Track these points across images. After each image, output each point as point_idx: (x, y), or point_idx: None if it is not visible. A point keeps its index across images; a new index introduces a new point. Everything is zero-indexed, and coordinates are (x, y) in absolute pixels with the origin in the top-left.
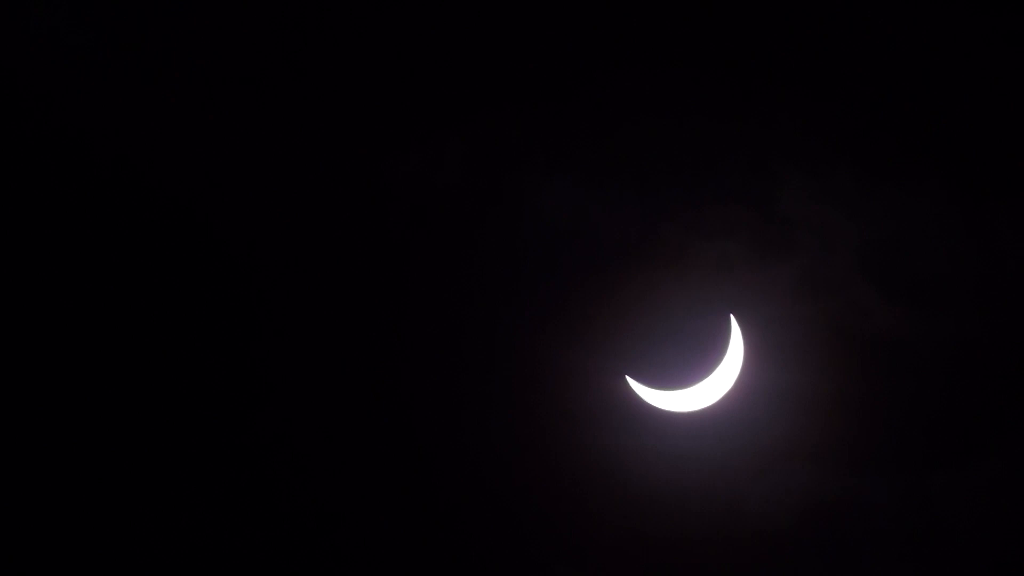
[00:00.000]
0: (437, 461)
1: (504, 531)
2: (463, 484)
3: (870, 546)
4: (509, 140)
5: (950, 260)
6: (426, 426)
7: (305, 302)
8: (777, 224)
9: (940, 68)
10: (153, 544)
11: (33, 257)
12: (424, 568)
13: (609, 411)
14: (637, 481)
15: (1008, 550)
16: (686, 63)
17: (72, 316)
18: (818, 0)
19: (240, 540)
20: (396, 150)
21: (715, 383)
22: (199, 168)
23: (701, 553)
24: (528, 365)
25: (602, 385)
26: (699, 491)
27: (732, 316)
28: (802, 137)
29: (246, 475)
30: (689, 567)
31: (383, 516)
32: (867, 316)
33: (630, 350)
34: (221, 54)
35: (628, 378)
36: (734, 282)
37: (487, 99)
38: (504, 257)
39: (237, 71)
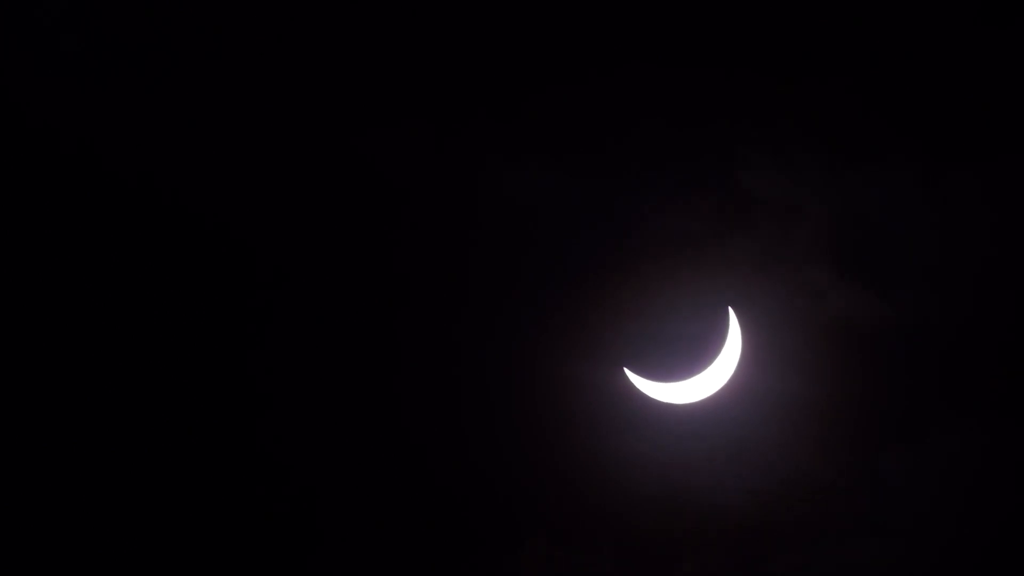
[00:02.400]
0: (436, 449)
1: (499, 516)
2: (462, 470)
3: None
4: (499, 138)
5: (917, 241)
6: (422, 415)
7: (295, 296)
8: (768, 214)
9: (903, 46)
10: (152, 544)
11: (35, 261)
12: (420, 547)
13: (606, 402)
14: (632, 469)
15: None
16: (658, 54)
17: (69, 317)
18: None
19: (238, 539)
20: (390, 146)
21: (712, 376)
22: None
23: (689, 534)
24: (526, 357)
25: (599, 376)
26: (689, 478)
27: (731, 309)
28: (794, 128)
29: (241, 474)
30: (679, 547)
31: (378, 498)
32: (855, 306)
33: (628, 342)
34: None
35: (626, 370)
36: (732, 276)
37: (472, 97)
38: (501, 251)
39: (212, 63)
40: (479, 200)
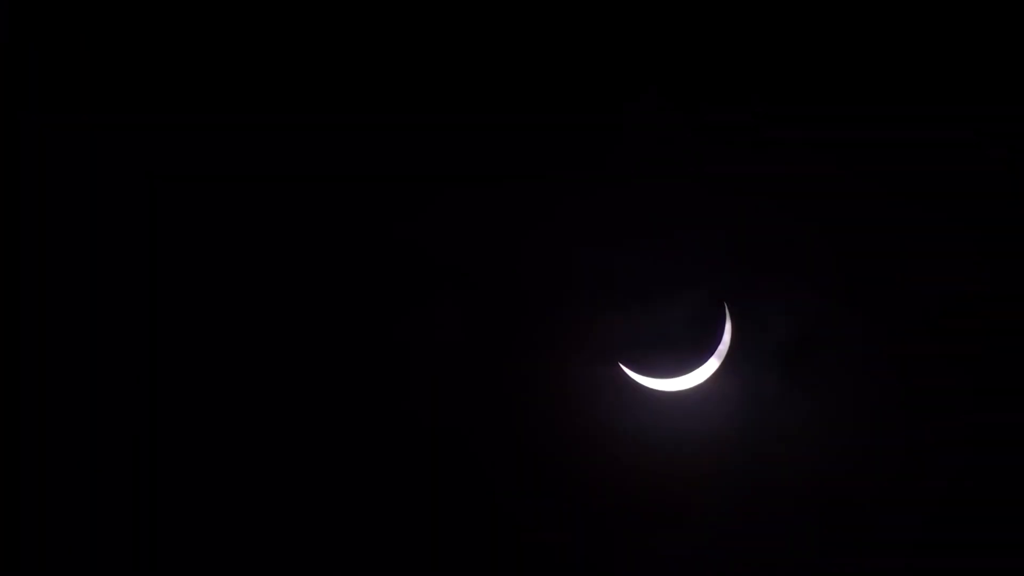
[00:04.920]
0: (447, 443)
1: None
2: (471, 459)
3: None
4: (495, 136)
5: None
6: (431, 411)
7: (291, 290)
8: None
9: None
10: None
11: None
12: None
13: (603, 394)
14: (626, 456)
15: None
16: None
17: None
18: None
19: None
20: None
21: (706, 370)
22: None
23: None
24: (527, 354)
25: (597, 371)
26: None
27: (726, 305)
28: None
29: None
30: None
31: (381, 488)
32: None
33: (624, 338)
34: None
35: (622, 365)
36: (728, 269)
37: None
38: (498, 249)
39: None
40: (476, 197)
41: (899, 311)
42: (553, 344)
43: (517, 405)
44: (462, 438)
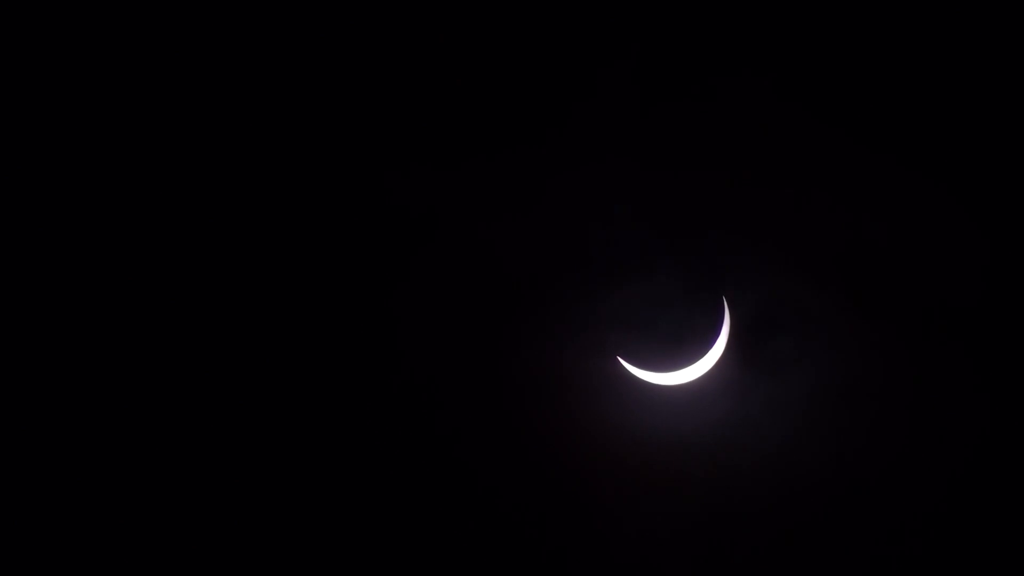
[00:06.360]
0: (450, 439)
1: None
2: (472, 454)
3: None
4: (493, 132)
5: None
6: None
7: (287, 287)
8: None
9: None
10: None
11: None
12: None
13: (601, 388)
14: (622, 448)
15: None
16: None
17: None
18: None
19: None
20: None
21: (703, 367)
22: None
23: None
24: (526, 355)
25: (594, 365)
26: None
27: (724, 299)
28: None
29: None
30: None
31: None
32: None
33: (621, 333)
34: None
35: (620, 359)
36: (726, 264)
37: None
38: (494, 249)
39: None
40: (474, 193)
41: (891, 300)
42: (547, 332)
43: (512, 390)
44: (458, 433)
